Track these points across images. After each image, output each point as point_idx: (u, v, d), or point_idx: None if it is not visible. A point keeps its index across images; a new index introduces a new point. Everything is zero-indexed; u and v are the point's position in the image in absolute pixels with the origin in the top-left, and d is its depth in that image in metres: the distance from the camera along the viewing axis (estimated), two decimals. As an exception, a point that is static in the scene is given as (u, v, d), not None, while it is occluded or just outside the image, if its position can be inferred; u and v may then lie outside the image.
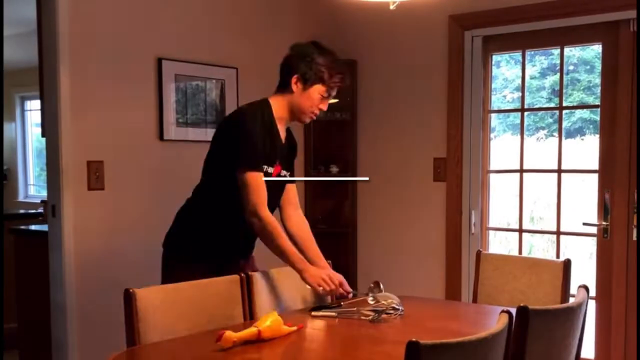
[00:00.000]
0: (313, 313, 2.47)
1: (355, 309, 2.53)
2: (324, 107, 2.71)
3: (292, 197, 2.84)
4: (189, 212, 2.75)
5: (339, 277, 2.60)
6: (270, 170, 2.65)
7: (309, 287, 2.56)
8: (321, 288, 2.52)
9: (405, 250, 4.44)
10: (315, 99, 2.65)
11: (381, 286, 2.65)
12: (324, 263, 2.75)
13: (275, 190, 2.73)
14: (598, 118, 3.80)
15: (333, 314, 2.47)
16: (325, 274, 2.56)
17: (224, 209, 2.65)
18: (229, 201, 2.60)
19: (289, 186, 2.82)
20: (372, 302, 2.54)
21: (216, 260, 2.65)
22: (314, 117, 2.72)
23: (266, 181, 2.60)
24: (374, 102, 4.54)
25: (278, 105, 2.67)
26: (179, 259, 2.69)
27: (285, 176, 2.77)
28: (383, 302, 2.49)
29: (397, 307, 2.44)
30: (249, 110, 2.64)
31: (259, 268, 2.80)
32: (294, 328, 2.19)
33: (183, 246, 2.71)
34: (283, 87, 2.68)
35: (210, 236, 2.67)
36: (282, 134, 2.72)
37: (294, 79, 2.63)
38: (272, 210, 2.71)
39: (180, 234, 2.74)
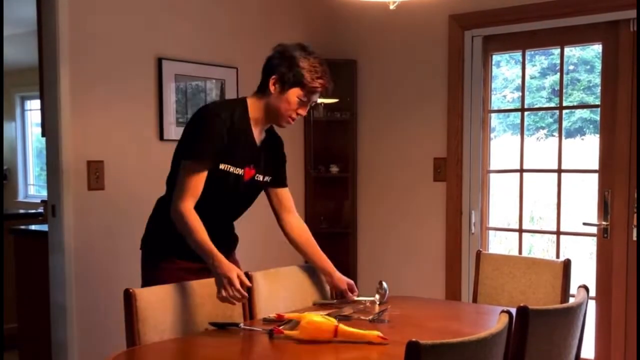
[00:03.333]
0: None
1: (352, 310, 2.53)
2: (303, 113, 2.55)
3: (287, 202, 2.75)
4: (160, 209, 2.64)
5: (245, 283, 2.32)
6: (240, 171, 2.52)
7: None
8: (221, 294, 2.28)
9: (405, 250, 4.43)
10: (293, 102, 2.50)
11: (384, 285, 2.65)
12: (330, 266, 2.73)
13: (248, 194, 2.63)
14: (598, 118, 3.80)
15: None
16: (234, 274, 2.28)
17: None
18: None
19: (281, 191, 2.73)
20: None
21: (193, 260, 2.50)
22: (292, 122, 2.58)
23: (234, 180, 2.51)
24: (374, 102, 4.54)
25: (255, 106, 2.55)
26: (157, 257, 2.58)
27: (262, 180, 2.64)
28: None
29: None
30: (215, 106, 2.57)
31: (258, 268, 2.78)
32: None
33: (159, 244, 2.60)
34: (262, 88, 2.56)
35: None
36: (258, 136, 2.58)
37: (271, 80, 2.51)
38: (239, 215, 2.66)
39: (154, 232, 2.64)
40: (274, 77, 2.50)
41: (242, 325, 2.34)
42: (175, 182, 2.48)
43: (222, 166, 2.48)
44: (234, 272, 2.28)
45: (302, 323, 2.16)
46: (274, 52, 2.57)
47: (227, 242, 2.70)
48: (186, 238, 2.40)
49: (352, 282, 2.74)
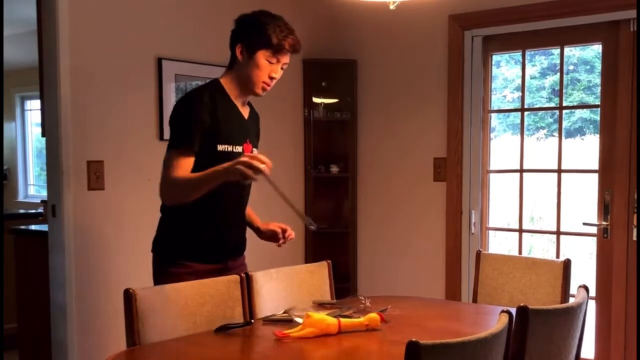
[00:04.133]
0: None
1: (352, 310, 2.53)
2: (276, 75, 2.52)
3: None
4: (168, 214, 2.61)
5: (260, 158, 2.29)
6: (239, 149, 2.53)
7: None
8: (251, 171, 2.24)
9: (406, 250, 4.44)
10: (263, 65, 2.47)
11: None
12: (257, 220, 2.73)
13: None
14: (598, 118, 3.80)
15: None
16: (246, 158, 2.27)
17: (195, 204, 2.46)
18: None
19: None
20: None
21: (206, 261, 2.55)
22: (268, 87, 2.54)
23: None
24: (374, 102, 4.54)
25: (228, 83, 2.54)
26: (167, 263, 2.56)
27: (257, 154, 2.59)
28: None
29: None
30: (190, 93, 2.54)
31: (258, 268, 2.78)
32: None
33: (169, 249, 2.58)
34: (231, 62, 2.55)
35: (192, 236, 2.54)
36: (243, 109, 2.61)
37: (238, 49, 2.50)
38: (246, 193, 2.64)
39: (164, 237, 2.61)
40: (239, 45, 2.51)
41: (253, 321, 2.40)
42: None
43: (220, 147, 2.47)
44: (240, 160, 2.25)
45: (307, 323, 2.17)
46: (236, 22, 2.57)
47: (240, 243, 2.70)
48: (190, 191, 2.37)
49: (283, 225, 2.67)
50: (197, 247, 2.54)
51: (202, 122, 2.44)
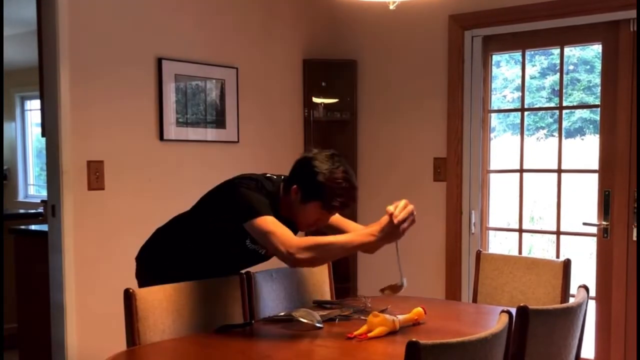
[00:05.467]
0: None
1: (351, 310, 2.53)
2: (323, 223, 2.50)
3: (345, 224, 2.65)
4: (156, 238, 2.61)
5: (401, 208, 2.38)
6: (263, 251, 2.47)
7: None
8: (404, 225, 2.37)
9: (405, 250, 4.42)
10: (312, 214, 2.43)
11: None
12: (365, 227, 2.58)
13: (251, 259, 2.57)
14: (598, 118, 3.80)
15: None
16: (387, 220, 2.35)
17: (204, 260, 2.48)
18: (211, 255, 2.47)
19: (335, 221, 2.62)
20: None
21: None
22: (311, 229, 2.52)
23: (256, 259, 2.49)
24: (374, 102, 4.54)
25: (282, 203, 2.47)
26: (152, 273, 2.55)
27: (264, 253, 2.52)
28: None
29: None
30: (259, 185, 2.45)
31: (259, 268, 2.78)
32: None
33: (151, 270, 2.57)
34: (287, 189, 2.46)
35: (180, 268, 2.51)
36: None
37: (293, 190, 2.42)
38: (235, 269, 2.58)
39: (148, 259, 2.60)
40: (295, 186, 2.42)
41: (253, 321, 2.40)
42: (186, 224, 2.51)
43: (248, 244, 2.41)
44: (384, 221, 2.35)
45: (375, 322, 2.21)
46: (301, 159, 2.48)
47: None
48: (337, 254, 2.40)
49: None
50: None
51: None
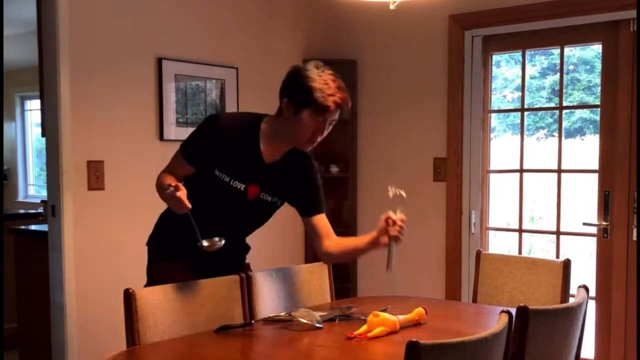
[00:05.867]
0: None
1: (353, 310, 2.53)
2: (321, 133, 2.41)
3: (322, 229, 2.58)
4: (167, 213, 2.61)
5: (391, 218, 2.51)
6: (241, 187, 2.46)
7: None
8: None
9: (405, 250, 4.42)
10: (308, 124, 2.36)
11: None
12: (368, 236, 2.63)
13: (257, 213, 2.57)
14: (598, 118, 3.80)
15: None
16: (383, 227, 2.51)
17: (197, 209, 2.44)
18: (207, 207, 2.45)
19: (314, 219, 2.57)
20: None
21: (201, 274, 2.52)
22: (313, 144, 2.45)
23: (234, 192, 2.47)
24: (374, 102, 4.54)
25: (268, 128, 2.46)
26: (160, 255, 2.60)
27: (270, 201, 2.53)
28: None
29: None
30: (224, 115, 2.63)
31: (259, 268, 2.78)
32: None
33: (163, 244, 2.61)
34: (279, 111, 2.45)
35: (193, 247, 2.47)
36: (269, 154, 2.47)
37: (284, 103, 2.39)
38: (249, 231, 2.62)
39: (160, 232, 2.65)
40: (285, 100, 2.39)
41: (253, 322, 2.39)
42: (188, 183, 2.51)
43: (217, 172, 2.45)
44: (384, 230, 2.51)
45: (375, 322, 2.22)
46: (288, 72, 2.45)
47: (239, 250, 2.69)
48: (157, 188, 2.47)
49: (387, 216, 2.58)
50: (192, 260, 2.50)
51: (216, 145, 2.42)
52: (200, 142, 2.47)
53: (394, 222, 2.53)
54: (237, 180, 2.46)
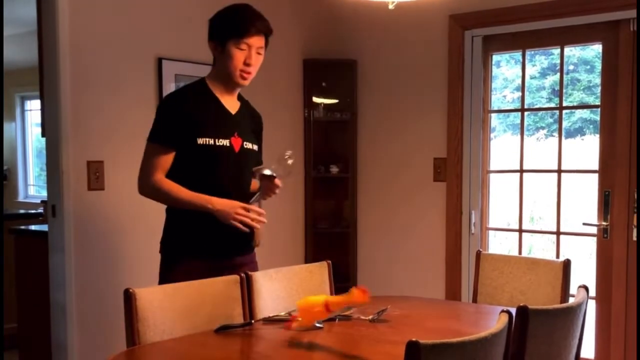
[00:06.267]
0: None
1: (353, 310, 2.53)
2: (251, 60, 2.57)
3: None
4: (172, 213, 2.67)
5: (247, 207, 2.49)
6: (226, 142, 2.57)
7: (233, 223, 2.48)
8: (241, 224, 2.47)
9: (406, 250, 4.44)
10: (235, 55, 2.54)
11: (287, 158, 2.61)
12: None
13: (244, 165, 2.64)
14: (598, 118, 3.80)
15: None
16: (239, 206, 2.47)
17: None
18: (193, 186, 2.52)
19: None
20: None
21: (212, 257, 2.59)
22: (247, 75, 2.59)
23: (224, 152, 2.55)
24: (374, 102, 4.54)
25: (213, 80, 2.63)
26: (172, 260, 2.61)
27: (252, 149, 2.67)
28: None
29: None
30: (174, 91, 2.68)
31: (259, 268, 2.78)
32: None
33: (175, 248, 2.62)
34: (213, 62, 2.64)
35: (196, 232, 2.58)
36: (231, 105, 2.65)
37: (211, 45, 2.60)
38: (245, 187, 2.66)
39: (170, 237, 2.66)
40: (210, 41, 2.59)
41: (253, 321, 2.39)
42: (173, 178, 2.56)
43: (200, 141, 2.52)
44: (236, 203, 2.43)
45: (299, 308, 2.17)
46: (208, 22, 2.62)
47: (245, 236, 2.63)
48: (173, 203, 2.52)
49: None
50: (202, 243, 2.57)
51: (182, 116, 2.51)
52: (168, 122, 2.53)
53: (277, 186, 2.62)
54: (219, 138, 2.55)
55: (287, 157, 2.60)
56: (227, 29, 2.54)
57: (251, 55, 2.57)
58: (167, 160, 2.54)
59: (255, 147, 2.71)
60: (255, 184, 2.73)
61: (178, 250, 2.61)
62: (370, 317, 2.41)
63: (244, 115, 2.71)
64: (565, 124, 4.12)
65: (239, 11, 2.56)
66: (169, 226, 2.66)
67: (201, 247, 2.59)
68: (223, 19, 2.57)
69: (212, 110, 2.59)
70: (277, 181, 2.59)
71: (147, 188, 2.56)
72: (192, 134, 2.52)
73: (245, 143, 2.64)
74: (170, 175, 2.57)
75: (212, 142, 2.54)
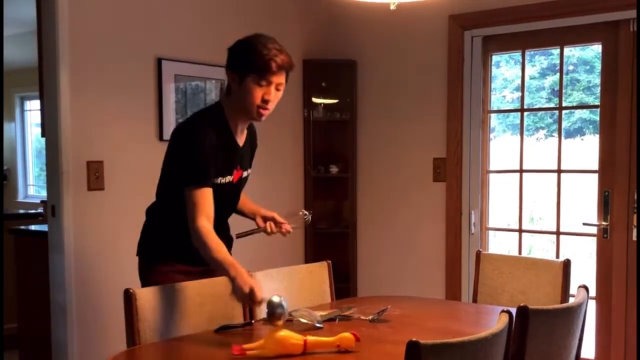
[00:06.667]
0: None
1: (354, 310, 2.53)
2: (270, 97, 2.42)
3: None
4: (152, 218, 2.64)
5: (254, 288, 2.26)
6: (229, 178, 2.52)
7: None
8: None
9: (405, 250, 4.44)
10: (253, 90, 2.39)
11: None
12: (255, 206, 2.72)
13: (237, 191, 2.63)
14: (598, 118, 3.80)
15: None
16: (248, 287, 2.23)
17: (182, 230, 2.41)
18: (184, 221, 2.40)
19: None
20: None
21: (188, 263, 2.53)
22: (264, 112, 2.45)
23: (226, 188, 2.50)
24: (374, 102, 4.54)
25: (229, 112, 2.49)
26: (154, 261, 2.55)
27: (247, 175, 2.66)
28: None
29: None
30: (198, 125, 2.43)
31: (259, 268, 2.78)
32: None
33: (155, 250, 2.58)
34: (228, 90, 2.50)
35: (176, 239, 2.50)
36: (240, 137, 2.56)
37: (229, 75, 2.45)
38: (234, 208, 2.65)
39: (149, 240, 2.62)
40: (229, 72, 2.46)
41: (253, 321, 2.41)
42: (164, 193, 2.55)
43: (216, 180, 2.46)
44: (247, 286, 2.22)
45: (269, 342, 2.01)
46: (228, 50, 2.51)
47: (225, 243, 2.67)
48: (205, 256, 2.34)
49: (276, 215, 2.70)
50: (181, 249, 2.49)
51: (215, 158, 2.41)
52: (206, 162, 2.39)
53: (282, 225, 2.66)
54: (225, 175, 2.51)
55: (304, 216, 2.72)
56: (248, 64, 2.39)
57: (270, 92, 2.42)
58: (211, 201, 2.39)
59: (249, 171, 2.68)
60: (251, 209, 2.72)
61: (159, 254, 2.55)
62: (371, 317, 2.41)
63: (247, 144, 2.64)
64: (564, 124, 4.12)
65: (261, 46, 2.39)
66: (149, 231, 2.63)
67: (180, 252, 2.51)
68: (244, 52, 2.41)
69: (226, 147, 2.48)
70: (288, 226, 2.65)
71: (194, 232, 2.34)
72: (214, 173, 2.44)
73: (243, 173, 2.62)
74: (169, 199, 2.52)
75: (220, 180, 2.47)
